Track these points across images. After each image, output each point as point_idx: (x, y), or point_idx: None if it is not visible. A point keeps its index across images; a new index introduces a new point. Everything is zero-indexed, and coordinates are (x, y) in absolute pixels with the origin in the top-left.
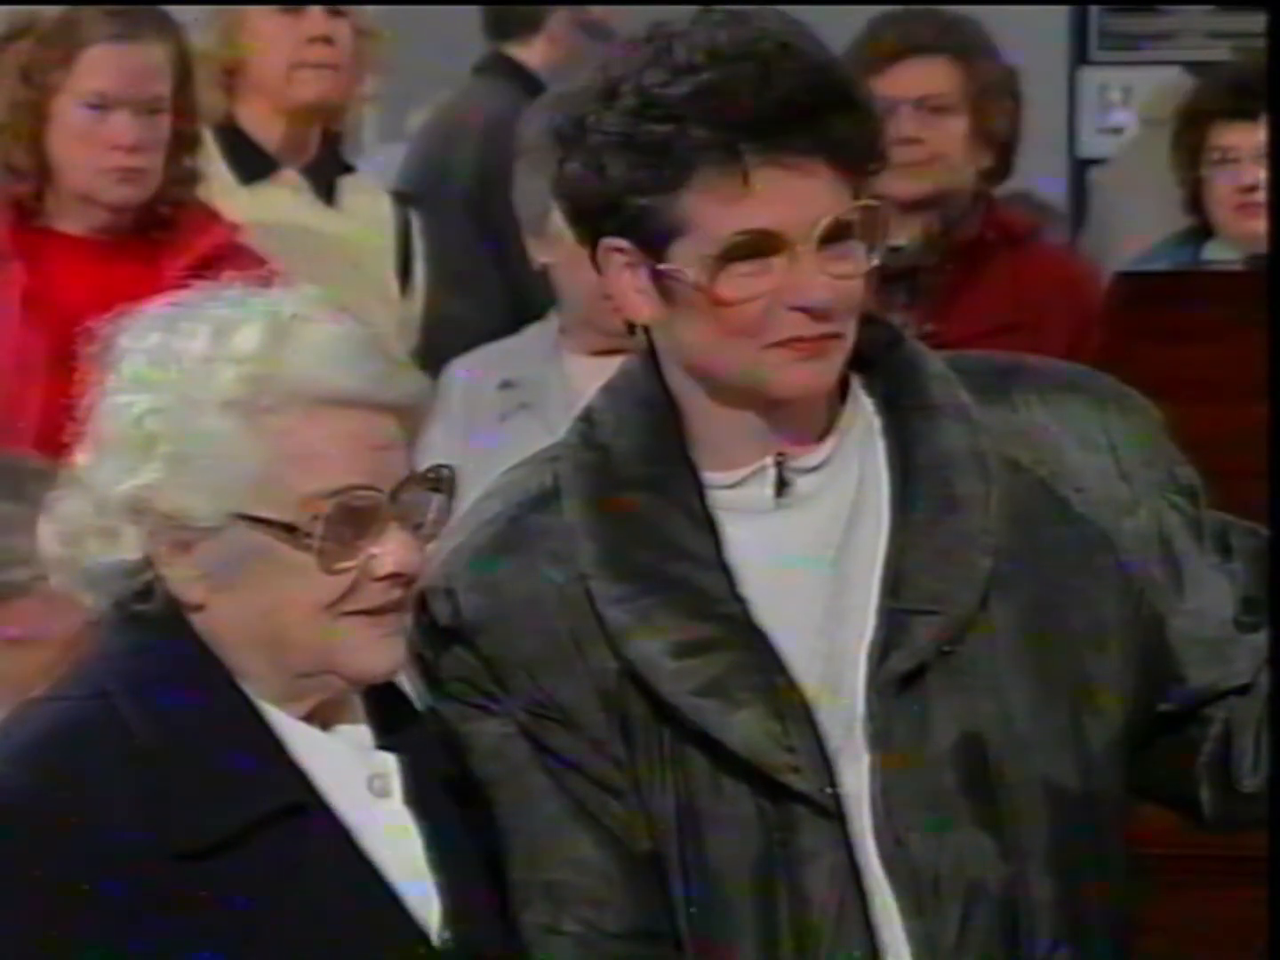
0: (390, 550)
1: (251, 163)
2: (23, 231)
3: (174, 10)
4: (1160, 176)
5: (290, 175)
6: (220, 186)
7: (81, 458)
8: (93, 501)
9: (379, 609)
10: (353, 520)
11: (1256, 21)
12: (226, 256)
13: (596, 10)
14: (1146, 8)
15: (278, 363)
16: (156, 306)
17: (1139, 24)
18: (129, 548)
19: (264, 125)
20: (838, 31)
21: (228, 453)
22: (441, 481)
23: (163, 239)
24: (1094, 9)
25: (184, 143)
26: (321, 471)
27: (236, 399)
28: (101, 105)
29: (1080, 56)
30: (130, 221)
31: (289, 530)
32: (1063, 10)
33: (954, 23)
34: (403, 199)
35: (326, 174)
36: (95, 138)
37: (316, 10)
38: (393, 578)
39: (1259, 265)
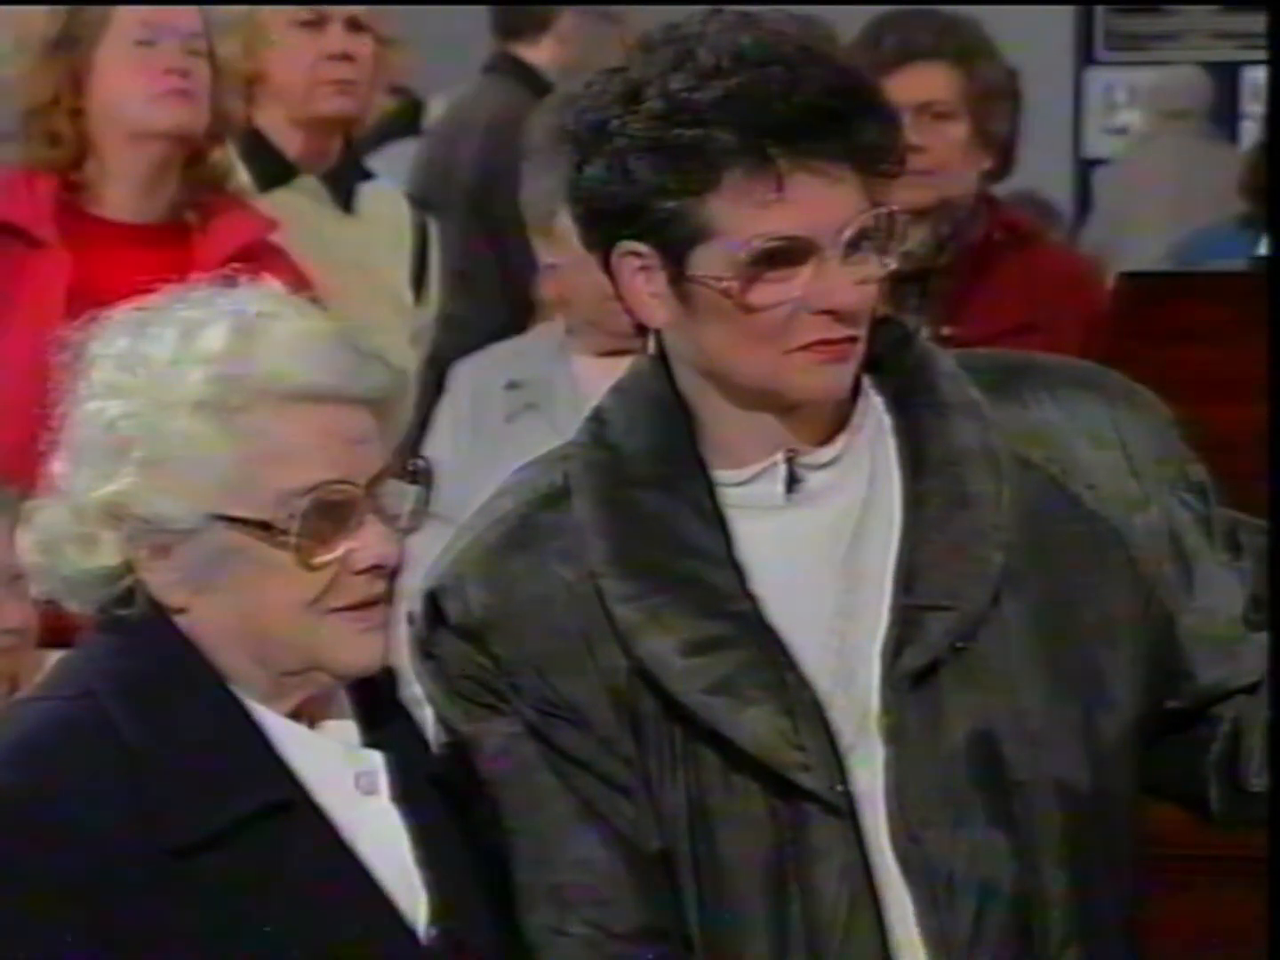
0: (368, 543)
1: (271, 168)
2: (66, 218)
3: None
4: (1170, 171)
5: (309, 181)
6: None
7: (57, 466)
8: (70, 509)
9: (361, 603)
10: (329, 515)
11: (1261, 22)
12: (259, 255)
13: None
14: (1152, 8)
15: (245, 361)
16: (125, 311)
17: (1144, 24)
18: (108, 554)
19: (283, 132)
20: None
21: (201, 454)
22: (418, 473)
23: (200, 228)
24: (1099, 10)
25: (217, 125)
26: (296, 468)
27: (206, 400)
28: (150, 41)
29: (1086, 57)
30: (168, 208)
31: (265, 528)
32: (1068, 11)
33: (952, 25)
34: (421, 206)
35: (346, 180)
36: (147, 66)
37: (337, 27)
38: (373, 570)
39: (1262, 266)
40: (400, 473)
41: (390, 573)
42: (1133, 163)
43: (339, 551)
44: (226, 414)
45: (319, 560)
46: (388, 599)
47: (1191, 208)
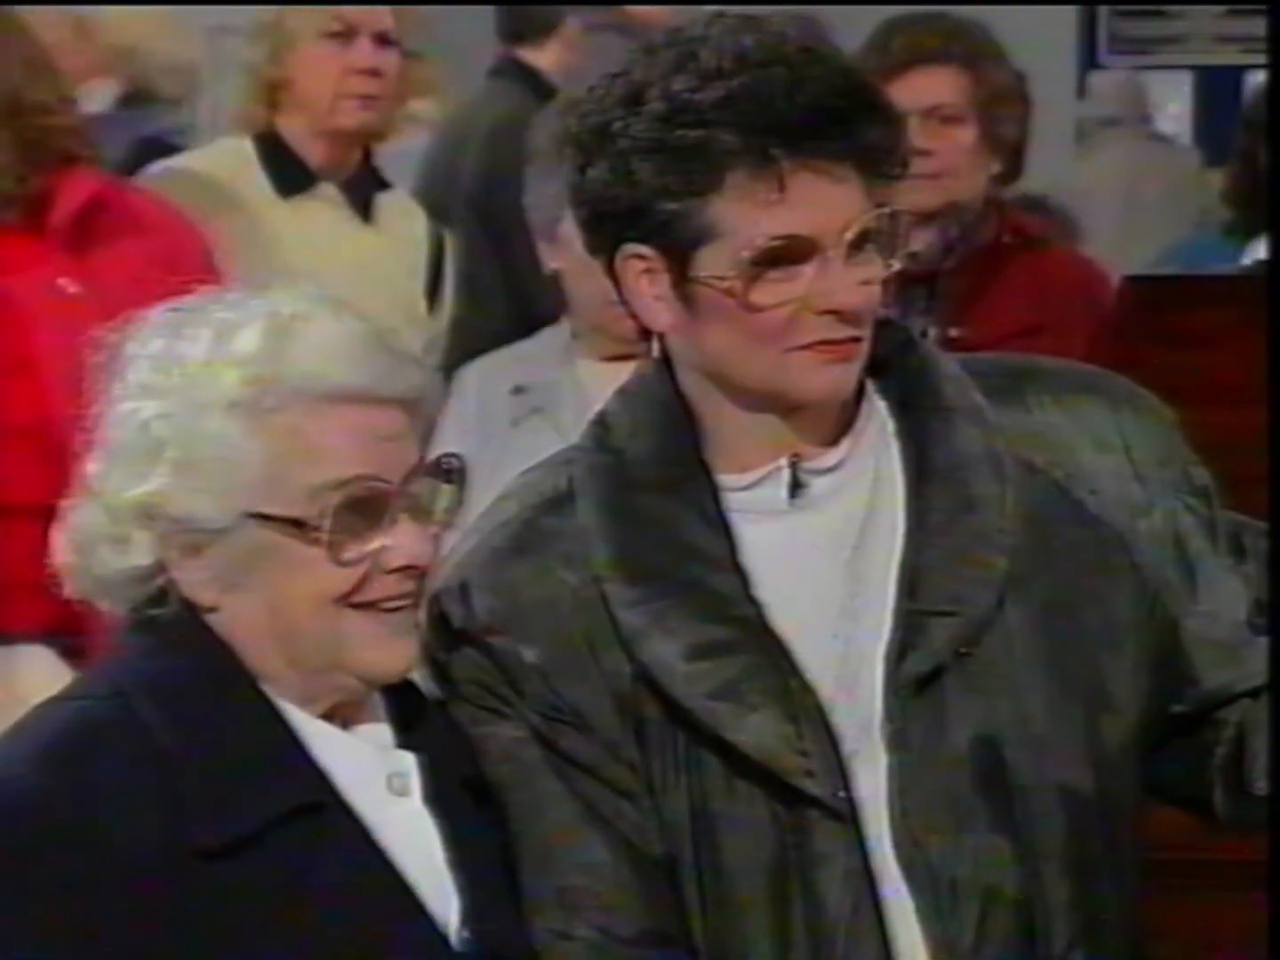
0: (402, 542)
1: (291, 176)
2: None
3: (223, 16)
4: (1116, 176)
5: (329, 190)
6: (259, 198)
7: (92, 466)
8: (104, 509)
9: (391, 602)
10: (362, 511)
11: (1264, 25)
12: (109, 204)
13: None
14: (1155, 12)
15: (279, 362)
16: (160, 312)
17: (1148, 28)
18: (141, 553)
19: (305, 140)
20: (846, 37)
21: (234, 454)
22: (452, 472)
23: (39, 206)
24: (1103, 13)
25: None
26: (328, 463)
27: (240, 400)
28: None
29: (1089, 60)
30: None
31: (298, 525)
32: (1071, 14)
33: (961, 29)
34: (425, 209)
35: (364, 190)
36: None
37: (365, 40)
38: (405, 570)
39: (1264, 270)
40: (432, 469)
41: (421, 572)
42: (1076, 171)
43: (371, 549)
44: (260, 415)
45: (350, 557)
46: (416, 600)
47: (1133, 213)
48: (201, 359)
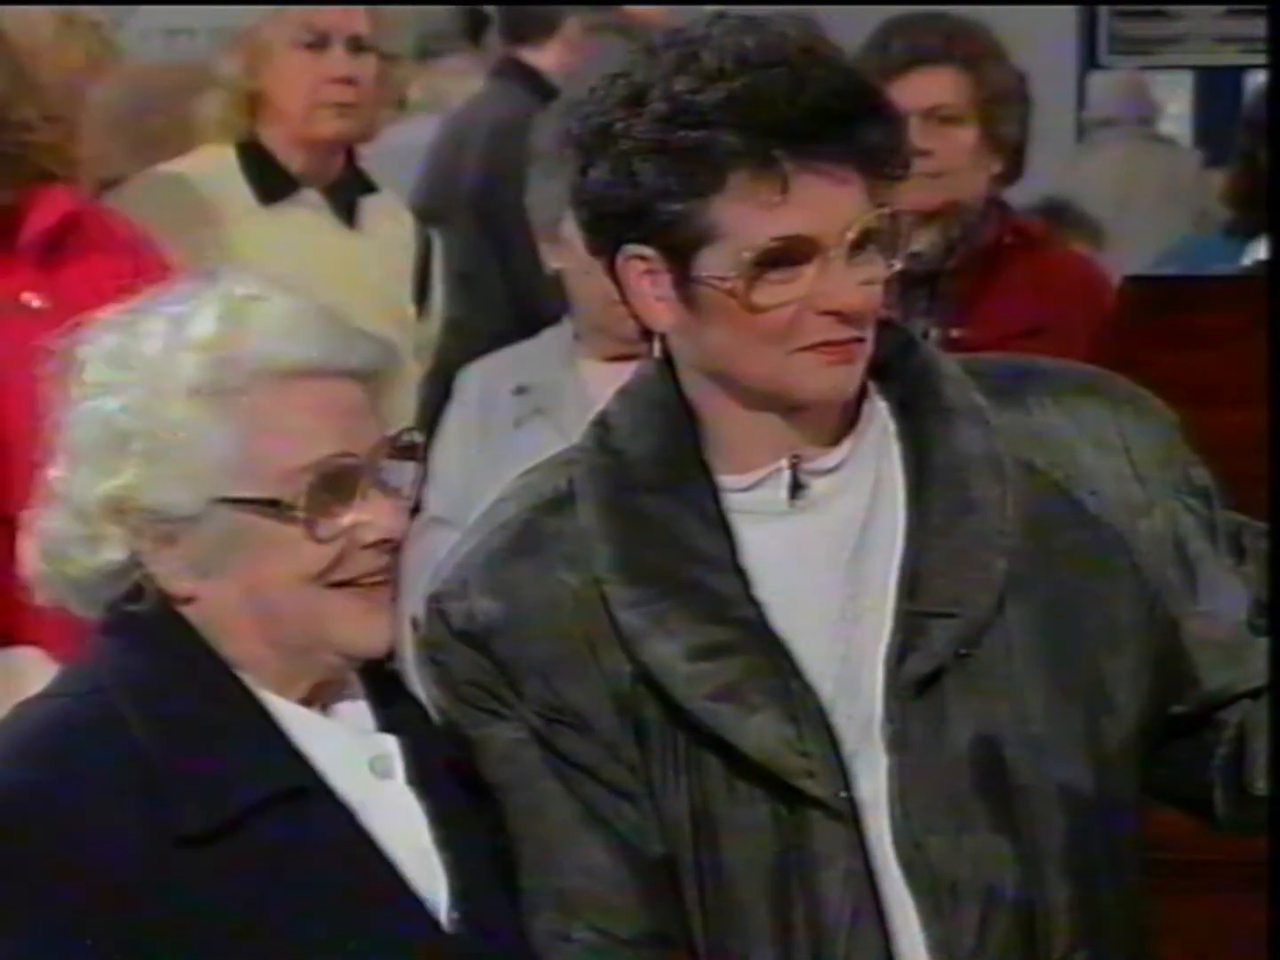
0: (374, 516)
1: (273, 183)
2: None
3: (223, 18)
4: (1116, 177)
5: (311, 195)
6: (242, 205)
7: (54, 472)
8: (72, 511)
9: (367, 578)
10: (333, 487)
11: (1264, 26)
12: (81, 223)
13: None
14: (1155, 12)
15: (236, 343)
16: (111, 313)
17: (1148, 29)
18: (113, 549)
19: (286, 149)
20: (846, 37)
21: (201, 439)
22: (415, 447)
23: (11, 221)
24: (1103, 13)
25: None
26: (298, 444)
27: (202, 385)
28: None
29: (1090, 61)
30: None
31: (273, 505)
32: (1072, 14)
33: (961, 29)
34: (425, 209)
35: (348, 194)
36: None
37: (338, 48)
38: (380, 544)
39: (1264, 270)
40: (396, 441)
41: (394, 545)
42: (1071, 171)
43: (346, 523)
44: (223, 397)
45: (326, 533)
46: (391, 576)
47: (1133, 213)
48: (159, 348)
